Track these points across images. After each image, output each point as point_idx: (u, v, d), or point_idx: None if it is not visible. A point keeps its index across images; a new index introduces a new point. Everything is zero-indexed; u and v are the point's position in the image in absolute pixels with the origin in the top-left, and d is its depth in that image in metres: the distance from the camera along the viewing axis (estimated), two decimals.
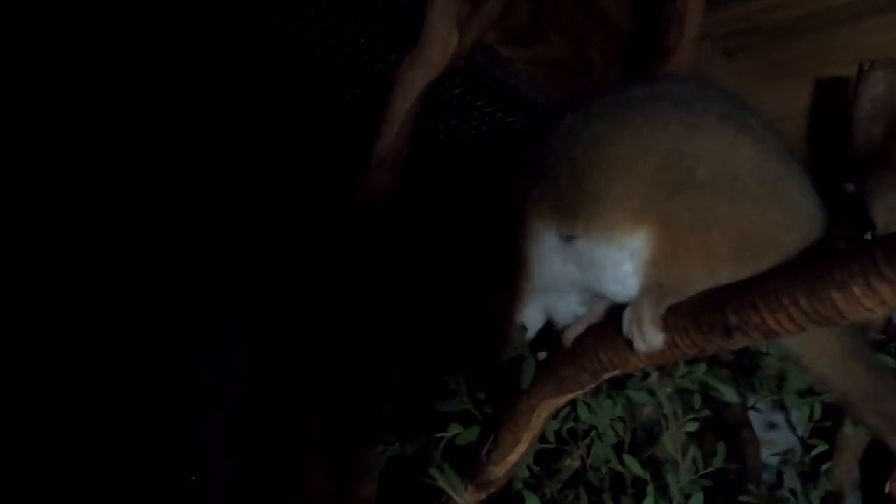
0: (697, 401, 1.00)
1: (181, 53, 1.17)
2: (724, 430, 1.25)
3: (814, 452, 1.07)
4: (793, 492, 1.08)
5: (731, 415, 1.26)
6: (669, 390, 0.99)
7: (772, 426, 1.36)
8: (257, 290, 1.42)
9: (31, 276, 1.18)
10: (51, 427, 1.19)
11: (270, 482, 1.28)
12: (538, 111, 1.48)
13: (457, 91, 1.38)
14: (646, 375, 0.99)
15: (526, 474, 1.00)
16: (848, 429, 1.16)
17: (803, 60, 1.67)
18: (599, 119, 0.84)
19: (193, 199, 1.36)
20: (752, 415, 1.26)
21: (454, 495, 0.89)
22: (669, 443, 0.99)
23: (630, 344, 0.74)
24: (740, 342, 0.68)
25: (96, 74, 1.13)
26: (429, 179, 1.48)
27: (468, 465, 0.93)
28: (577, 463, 1.01)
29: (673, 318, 0.72)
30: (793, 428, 1.09)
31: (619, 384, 1.00)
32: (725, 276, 0.73)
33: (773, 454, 1.19)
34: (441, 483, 0.90)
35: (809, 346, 0.80)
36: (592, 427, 1.00)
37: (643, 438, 1.04)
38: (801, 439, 1.08)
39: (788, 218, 0.77)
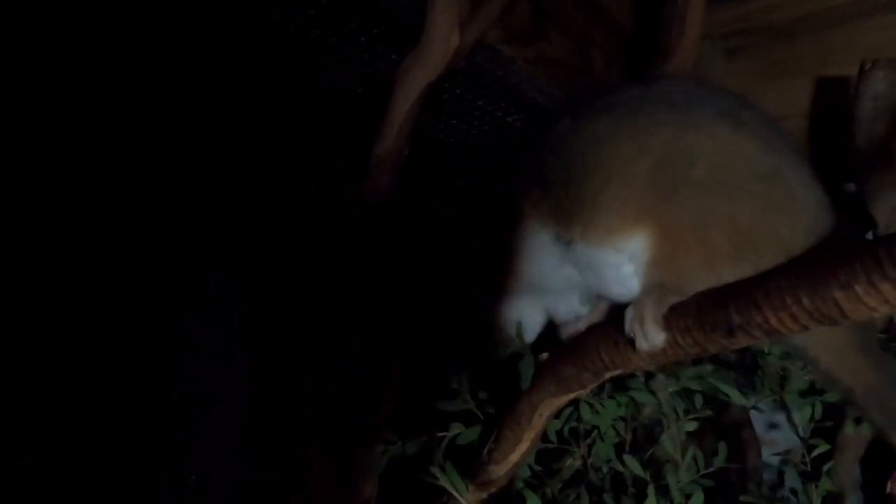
0: (699, 400, 1.00)
1: (181, 53, 1.17)
2: (725, 429, 1.25)
3: (815, 452, 1.07)
4: (794, 491, 1.08)
5: (732, 415, 1.27)
6: (671, 390, 0.99)
7: (773, 426, 1.36)
8: (257, 290, 1.42)
9: (31, 276, 1.18)
10: (51, 427, 1.18)
11: (270, 482, 1.28)
12: (539, 113, 1.48)
13: (457, 90, 1.38)
14: (650, 375, 0.99)
15: (527, 473, 1.00)
16: (849, 428, 1.16)
17: (804, 60, 1.67)
18: (592, 123, 0.84)
19: (193, 200, 1.36)
20: (752, 414, 1.26)
21: (456, 494, 0.89)
22: (669, 443, 0.99)
23: (632, 343, 0.74)
24: (743, 341, 0.68)
25: (96, 74, 1.13)
26: (429, 179, 1.48)
27: (469, 464, 0.93)
28: (579, 462, 1.01)
29: (675, 318, 0.72)
30: (794, 428, 1.09)
31: (620, 384, 1.00)
32: (727, 273, 0.73)
33: (774, 454, 1.19)
34: (443, 482, 0.89)
35: (817, 340, 0.79)
36: (594, 427, 1.00)
37: (644, 438, 1.04)
38: (803, 439, 1.08)
39: (789, 211, 0.77)
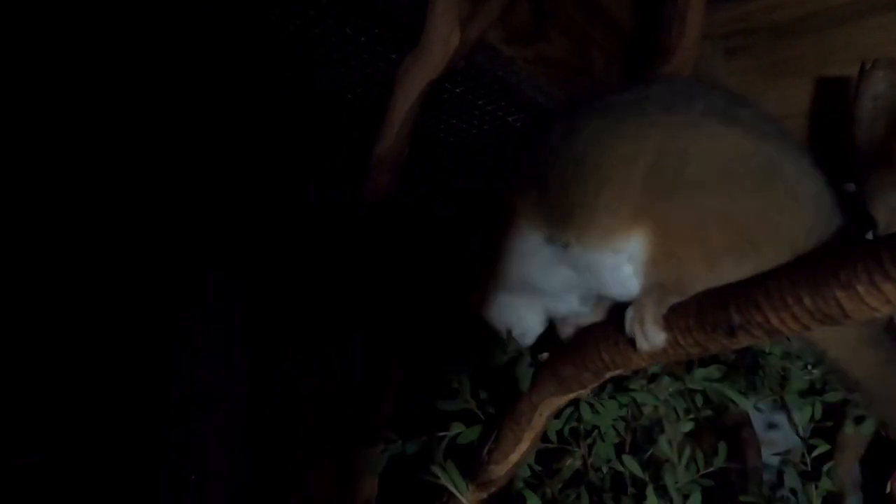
0: (699, 400, 1.00)
1: (181, 53, 1.17)
2: (725, 429, 1.25)
3: (815, 452, 1.07)
4: (793, 492, 1.08)
5: (732, 415, 1.26)
6: (671, 390, 0.99)
7: (772, 426, 1.36)
8: (257, 290, 1.42)
9: (32, 277, 1.18)
10: (51, 427, 1.18)
11: (270, 482, 1.28)
12: (538, 113, 1.48)
13: (458, 90, 1.38)
14: (653, 377, 0.99)
15: (527, 473, 1.00)
16: (849, 428, 1.16)
17: (804, 60, 1.67)
18: (586, 126, 0.84)
19: (193, 200, 1.36)
20: (752, 414, 1.26)
21: (457, 493, 0.89)
22: (666, 444, 0.99)
23: (632, 343, 0.74)
24: (744, 341, 0.68)
25: (96, 74, 1.13)
26: (429, 179, 1.48)
27: (469, 464, 0.93)
28: (579, 462, 1.01)
29: (675, 318, 0.72)
30: (794, 427, 1.09)
31: (620, 384, 1.00)
32: (727, 269, 0.73)
33: (774, 454, 1.19)
34: (444, 481, 0.89)
35: (826, 333, 0.78)
36: (594, 427, 0.99)
37: (644, 438, 1.04)
38: (803, 439, 1.08)
39: (789, 204, 0.76)
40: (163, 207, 1.32)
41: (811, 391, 1.06)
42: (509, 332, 0.97)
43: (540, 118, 1.33)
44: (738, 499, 1.07)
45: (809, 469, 1.07)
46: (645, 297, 0.75)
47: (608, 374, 0.81)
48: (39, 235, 1.18)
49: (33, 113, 1.12)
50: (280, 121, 1.35)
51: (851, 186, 1.30)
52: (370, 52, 1.27)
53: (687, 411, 1.01)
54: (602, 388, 0.97)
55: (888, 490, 1.19)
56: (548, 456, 1.01)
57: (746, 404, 0.99)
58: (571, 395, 0.87)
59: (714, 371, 0.98)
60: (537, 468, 1.01)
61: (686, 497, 0.96)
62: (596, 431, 1.00)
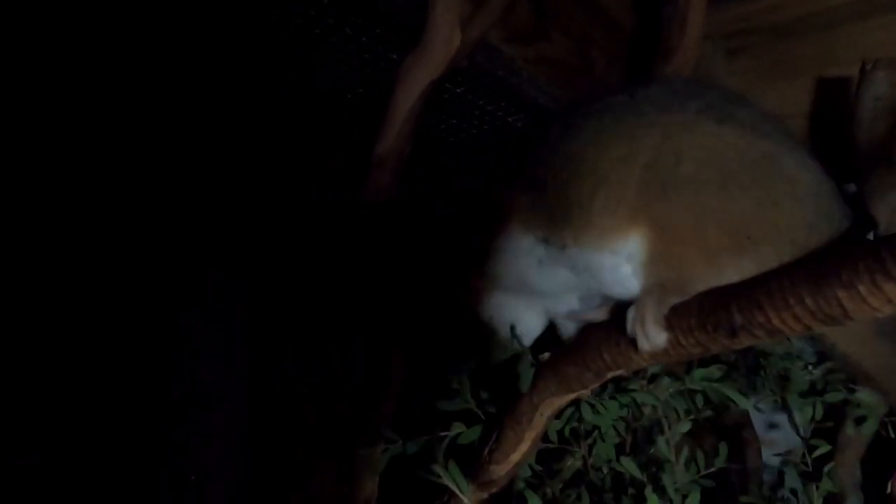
0: (699, 401, 1.00)
1: (181, 53, 1.17)
2: (725, 430, 1.25)
3: (816, 453, 1.07)
4: (794, 492, 1.08)
5: (732, 415, 1.26)
6: (671, 390, 0.99)
7: (773, 426, 1.36)
8: (257, 290, 1.42)
9: (32, 277, 1.18)
10: (51, 427, 1.18)
11: (270, 482, 1.28)
12: (537, 116, 1.48)
13: (458, 90, 1.38)
14: (653, 377, 0.99)
15: (528, 474, 1.00)
16: (850, 429, 1.16)
17: (805, 60, 1.67)
18: (581, 129, 0.84)
19: (193, 199, 1.36)
20: (753, 415, 1.26)
21: (458, 492, 0.89)
22: (664, 445, 0.99)
23: (633, 343, 0.74)
24: (745, 341, 0.68)
25: (97, 74, 1.13)
26: (429, 179, 1.48)
27: (470, 464, 0.93)
28: (579, 463, 1.01)
29: (677, 318, 0.72)
30: (795, 428, 1.09)
31: (621, 384, 1.00)
32: (727, 267, 0.73)
33: (775, 454, 1.19)
34: (445, 480, 0.89)
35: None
36: (594, 427, 0.99)
37: (644, 439, 1.04)
38: (804, 439, 1.08)
39: (786, 198, 0.76)
40: (163, 207, 1.32)
41: (812, 391, 1.06)
42: (512, 330, 0.97)
43: (537, 120, 1.33)
44: (738, 499, 1.07)
45: (810, 469, 1.07)
46: (646, 297, 0.75)
47: (609, 375, 0.81)
48: (39, 236, 1.18)
49: (34, 113, 1.12)
50: (280, 121, 1.35)
51: (852, 187, 1.29)
52: (370, 52, 1.27)
53: (687, 412, 1.01)
54: (603, 388, 0.97)
55: (889, 490, 1.19)
56: (548, 456, 1.01)
57: (747, 404, 0.98)
58: (572, 396, 0.87)
59: (714, 371, 0.98)
60: (538, 468, 1.01)
61: (685, 497, 0.96)
62: (596, 432, 1.00)
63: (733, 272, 0.72)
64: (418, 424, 0.99)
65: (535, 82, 1.45)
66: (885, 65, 1.30)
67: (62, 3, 1.02)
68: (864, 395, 1.04)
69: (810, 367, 1.07)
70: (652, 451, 1.01)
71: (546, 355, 0.92)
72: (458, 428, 0.97)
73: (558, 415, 0.92)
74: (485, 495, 0.92)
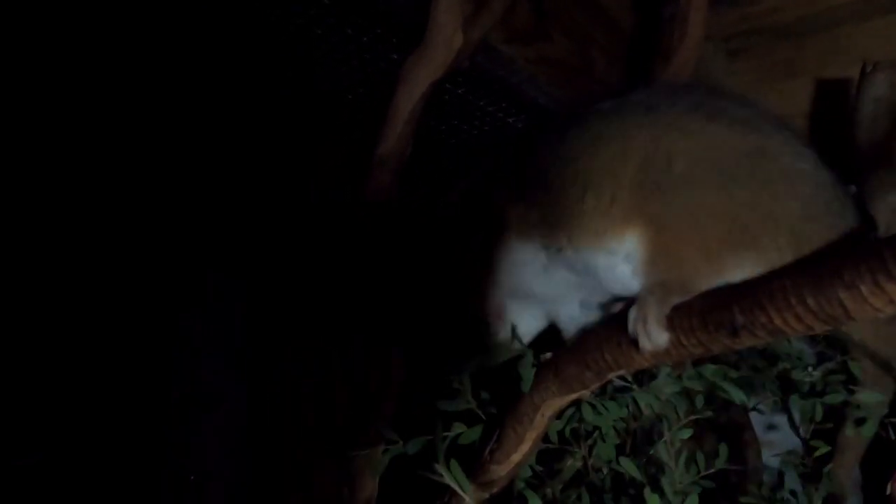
0: (700, 401, 1.00)
1: (181, 53, 1.17)
2: (725, 431, 1.25)
3: (815, 454, 1.07)
4: (794, 493, 1.07)
5: (732, 416, 1.26)
6: (671, 391, 0.99)
7: (773, 427, 1.36)
8: (257, 290, 1.42)
9: (32, 277, 1.18)
10: (51, 427, 1.18)
11: (270, 482, 1.28)
12: (536, 118, 1.48)
13: (459, 91, 1.38)
14: (652, 377, 0.99)
15: (528, 474, 1.00)
16: (849, 430, 1.16)
17: (806, 61, 1.67)
18: (573, 133, 0.85)
19: (193, 200, 1.36)
20: (752, 416, 1.26)
21: (460, 491, 0.89)
22: (663, 447, 0.98)
23: (635, 343, 0.74)
24: (747, 341, 0.68)
25: (97, 74, 1.13)
26: (430, 179, 1.48)
27: (471, 464, 0.93)
28: (580, 463, 1.01)
29: (678, 318, 0.72)
30: (795, 429, 1.09)
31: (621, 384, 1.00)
32: (727, 262, 0.73)
33: (775, 455, 1.19)
34: (447, 479, 0.89)
35: None
36: (595, 427, 0.99)
37: (644, 439, 1.04)
38: (803, 440, 1.08)
39: (781, 188, 0.76)
40: (163, 208, 1.32)
41: (812, 393, 1.06)
42: (514, 330, 0.97)
43: (532, 125, 1.33)
44: (738, 500, 1.06)
45: (810, 470, 1.07)
46: (647, 296, 0.75)
47: (611, 375, 0.81)
48: (40, 236, 1.18)
49: (34, 114, 1.12)
50: (280, 121, 1.35)
51: (852, 187, 1.30)
52: (371, 53, 1.27)
53: (687, 412, 1.01)
54: (603, 388, 0.97)
55: (888, 492, 1.19)
56: (549, 456, 1.01)
57: (739, 396, 0.98)
58: (574, 396, 0.87)
59: (715, 371, 0.98)
60: (538, 468, 1.00)
61: (685, 498, 0.96)
62: (597, 432, 1.00)
63: (734, 267, 0.72)
64: (419, 424, 0.99)
65: (536, 82, 1.46)
66: (886, 67, 1.31)
67: (62, 4, 1.02)
68: (864, 396, 1.04)
69: (810, 369, 1.07)
70: (652, 451, 1.01)
71: (547, 355, 0.92)
72: (459, 428, 0.97)
73: (559, 415, 0.92)
74: (485, 495, 0.92)
